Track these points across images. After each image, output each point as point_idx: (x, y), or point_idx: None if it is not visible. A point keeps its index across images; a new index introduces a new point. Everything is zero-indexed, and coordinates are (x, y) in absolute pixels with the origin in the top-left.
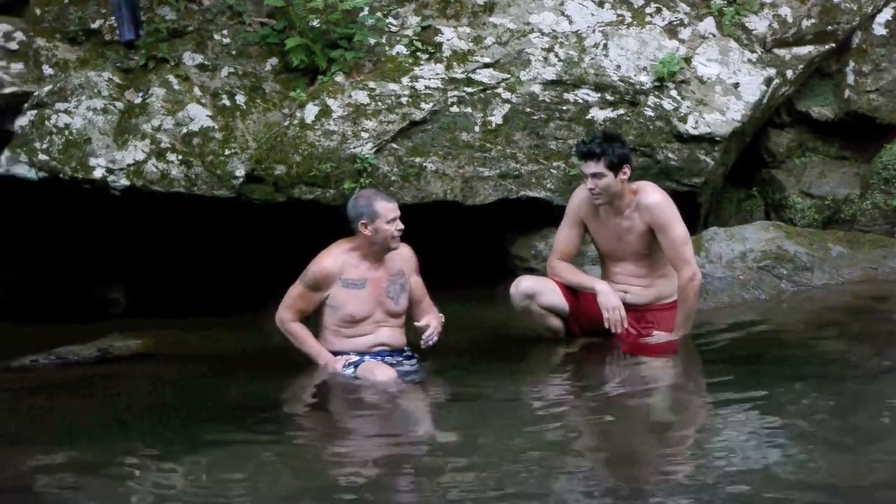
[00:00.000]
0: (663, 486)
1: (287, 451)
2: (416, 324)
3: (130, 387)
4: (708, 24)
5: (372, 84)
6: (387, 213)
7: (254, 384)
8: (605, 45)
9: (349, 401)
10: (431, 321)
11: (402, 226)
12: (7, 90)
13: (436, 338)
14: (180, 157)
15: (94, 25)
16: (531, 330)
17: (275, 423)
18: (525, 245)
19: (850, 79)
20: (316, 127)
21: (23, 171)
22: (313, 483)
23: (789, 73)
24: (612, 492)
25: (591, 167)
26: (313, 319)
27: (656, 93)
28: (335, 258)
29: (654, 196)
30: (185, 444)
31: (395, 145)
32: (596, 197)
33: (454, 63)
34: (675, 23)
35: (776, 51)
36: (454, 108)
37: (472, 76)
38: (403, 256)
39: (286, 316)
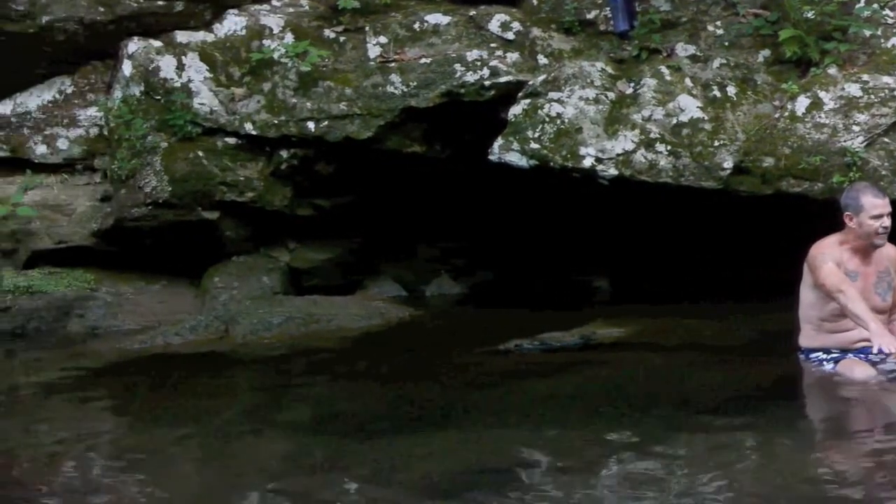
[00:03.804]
0: None
1: (763, 446)
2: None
3: (610, 374)
4: None
5: (865, 77)
6: (872, 208)
7: (731, 376)
8: None
9: (827, 397)
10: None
11: (888, 223)
12: (502, 79)
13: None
14: (669, 147)
15: (589, 16)
16: None
17: (752, 416)
18: None
19: None
20: (806, 119)
21: (514, 158)
22: (791, 481)
23: None
24: None
25: None
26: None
27: None
28: (830, 246)
29: None
30: (662, 434)
31: (886, 139)
32: None
33: None
34: None
35: None
36: None
37: None
38: (890, 256)
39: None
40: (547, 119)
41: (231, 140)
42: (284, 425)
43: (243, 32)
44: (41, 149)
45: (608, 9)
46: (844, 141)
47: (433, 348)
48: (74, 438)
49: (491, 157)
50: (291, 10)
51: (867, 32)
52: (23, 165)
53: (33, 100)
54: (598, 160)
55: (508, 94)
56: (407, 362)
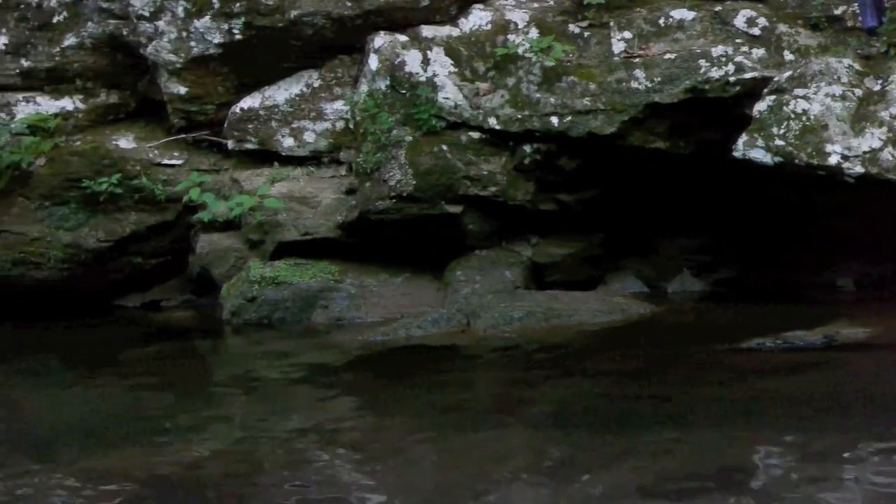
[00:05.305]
0: None
1: None
2: None
3: (853, 376)
4: None
5: None
6: None
7: None
8: None
9: None
10: None
11: None
12: (748, 75)
13: None
14: None
15: (837, 12)
16: None
17: None
18: None
19: None
20: None
21: (759, 155)
22: None
23: None
24: None
25: None
26: None
27: None
28: None
29: None
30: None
31: None
32: None
33: None
34: None
35: None
36: None
37: None
38: None
39: None
40: (792, 115)
41: (475, 134)
42: (522, 421)
43: (488, 27)
44: (288, 141)
45: (856, 5)
46: None
47: (673, 346)
48: (313, 428)
49: (735, 154)
50: (536, 5)
51: None
52: (270, 158)
53: (281, 93)
54: (844, 158)
55: (753, 90)
56: (646, 359)
